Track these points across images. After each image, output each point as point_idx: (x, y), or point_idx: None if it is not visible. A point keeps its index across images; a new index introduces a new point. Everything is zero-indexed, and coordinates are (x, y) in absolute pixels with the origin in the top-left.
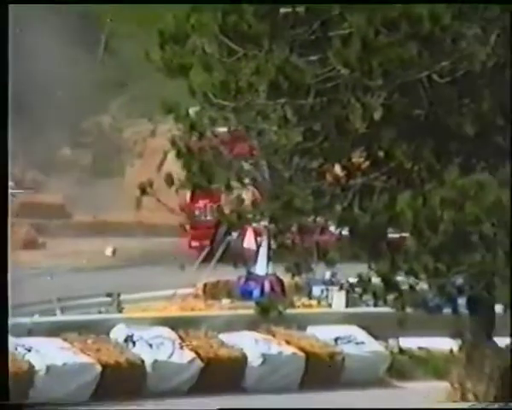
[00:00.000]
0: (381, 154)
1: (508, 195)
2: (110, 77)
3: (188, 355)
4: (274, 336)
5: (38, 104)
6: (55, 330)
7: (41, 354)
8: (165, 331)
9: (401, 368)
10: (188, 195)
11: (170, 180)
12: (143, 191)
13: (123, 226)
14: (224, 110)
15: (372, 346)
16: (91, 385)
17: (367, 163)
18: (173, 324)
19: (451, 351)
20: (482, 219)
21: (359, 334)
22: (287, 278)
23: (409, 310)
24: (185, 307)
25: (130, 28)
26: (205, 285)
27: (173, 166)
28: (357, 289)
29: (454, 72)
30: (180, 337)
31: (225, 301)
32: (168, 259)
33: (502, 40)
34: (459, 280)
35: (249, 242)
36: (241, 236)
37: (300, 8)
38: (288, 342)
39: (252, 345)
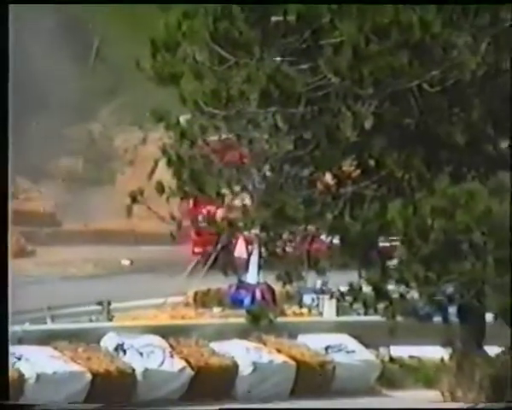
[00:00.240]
0: (371, 162)
1: (497, 204)
2: (101, 84)
3: (178, 364)
4: (265, 344)
5: (28, 111)
6: (45, 339)
7: (31, 362)
8: (156, 340)
9: (392, 377)
10: (191, 201)
11: (161, 188)
12: (134, 199)
13: (114, 234)
14: (214, 118)
15: (363, 355)
16: (82, 394)
17: (358, 172)
18: (164, 332)
19: (442, 360)
20: (472, 228)
21: (350, 343)
22: (278, 287)
23: (399, 319)
24: (176, 316)
25: (121, 35)
26: (195, 293)
27: (164, 174)
28: (348, 298)
29: (444, 81)
30: (171, 346)
31: (216, 310)
32: (159, 267)
33: (492, 49)
34: (449, 289)
35: (240, 250)
36: (233, 244)
37: (291, 17)
38: (278, 351)
39: (242, 353)
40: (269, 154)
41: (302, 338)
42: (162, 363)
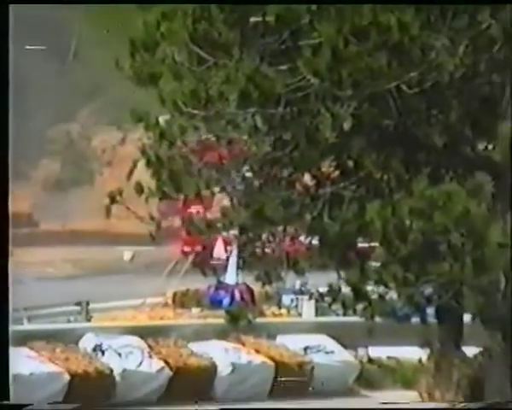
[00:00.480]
0: (350, 163)
1: (475, 205)
2: (79, 84)
3: (157, 364)
4: (243, 345)
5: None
6: (21, 340)
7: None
8: (135, 340)
9: (370, 377)
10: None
11: (139, 189)
12: (113, 200)
13: (92, 235)
14: (194, 119)
15: (341, 355)
16: (59, 395)
17: (336, 172)
18: (142, 333)
19: (420, 360)
20: (450, 229)
21: (329, 343)
22: (257, 287)
23: (378, 319)
24: (154, 316)
25: (99, 35)
26: (174, 294)
27: (143, 174)
28: (327, 299)
29: (422, 82)
30: (149, 346)
31: (195, 310)
32: (138, 267)
33: (470, 51)
34: (428, 290)
35: (219, 251)
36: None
37: (270, 18)
38: (257, 352)
39: (221, 354)
40: (248, 154)
41: (281, 339)
42: (141, 364)
